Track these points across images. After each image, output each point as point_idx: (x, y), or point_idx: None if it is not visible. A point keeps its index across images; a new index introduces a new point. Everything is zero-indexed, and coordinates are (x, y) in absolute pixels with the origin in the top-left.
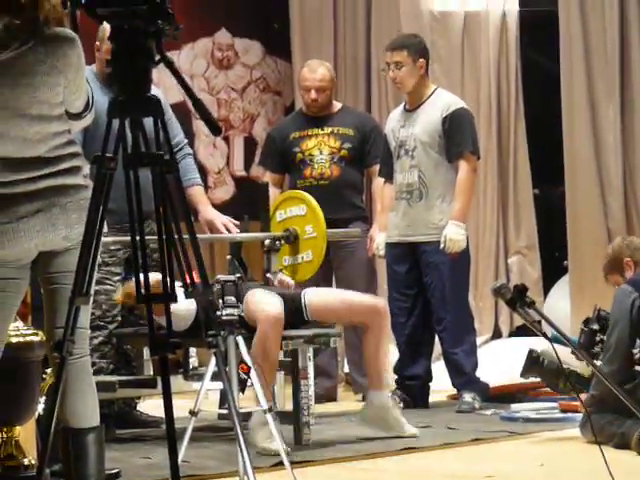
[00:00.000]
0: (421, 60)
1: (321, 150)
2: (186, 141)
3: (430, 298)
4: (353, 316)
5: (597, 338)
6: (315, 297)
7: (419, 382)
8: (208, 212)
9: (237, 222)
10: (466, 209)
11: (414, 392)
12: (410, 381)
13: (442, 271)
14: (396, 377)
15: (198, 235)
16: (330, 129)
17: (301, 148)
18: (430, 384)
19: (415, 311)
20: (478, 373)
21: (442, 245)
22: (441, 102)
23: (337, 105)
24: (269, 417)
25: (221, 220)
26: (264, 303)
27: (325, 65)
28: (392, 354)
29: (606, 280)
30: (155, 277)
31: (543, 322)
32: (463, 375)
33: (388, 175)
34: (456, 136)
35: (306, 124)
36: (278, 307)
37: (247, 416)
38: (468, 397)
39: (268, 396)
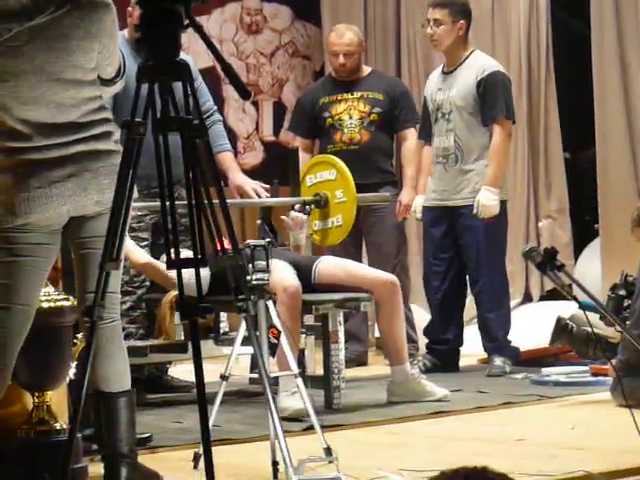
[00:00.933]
0: (461, 22)
1: (351, 115)
2: (215, 107)
3: (466, 261)
4: (361, 289)
5: (625, 304)
6: (325, 267)
7: (449, 347)
8: (237, 178)
9: (266, 186)
10: (500, 174)
11: (444, 356)
12: (440, 345)
13: (478, 234)
14: (427, 341)
15: (228, 200)
16: (360, 93)
17: (331, 113)
18: (460, 349)
19: (449, 275)
20: (509, 337)
21: (475, 210)
22: (477, 65)
23: (366, 69)
24: (299, 382)
25: (250, 185)
26: (280, 278)
27: (353, 29)
28: (422, 317)
29: (632, 232)
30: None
31: (573, 286)
32: (495, 339)
33: (427, 137)
34: (490, 100)
35: (335, 89)
36: (295, 280)
37: (278, 380)
38: (499, 361)
39: (285, 365)
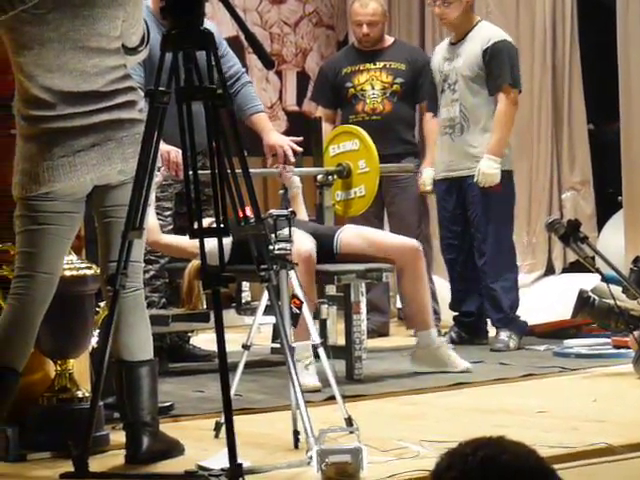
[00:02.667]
0: None
1: (373, 85)
2: (244, 70)
3: (473, 232)
4: (383, 257)
5: None
6: (347, 236)
7: (473, 318)
8: (270, 137)
9: (299, 139)
10: (503, 143)
11: (470, 328)
12: (465, 318)
13: (484, 204)
14: (454, 314)
15: (251, 169)
16: (382, 64)
17: (353, 83)
18: (486, 319)
19: (464, 247)
20: (526, 311)
21: (475, 179)
22: (482, 35)
23: (389, 39)
24: (321, 352)
25: (283, 143)
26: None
27: None
28: (445, 287)
29: None
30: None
31: (596, 258)
32: (500, 312)
33: (434, 109)
34: (495, 69)
35: (358, 59)
36: (308, 245)
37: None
38: (504, 335)
39: (299, 333)
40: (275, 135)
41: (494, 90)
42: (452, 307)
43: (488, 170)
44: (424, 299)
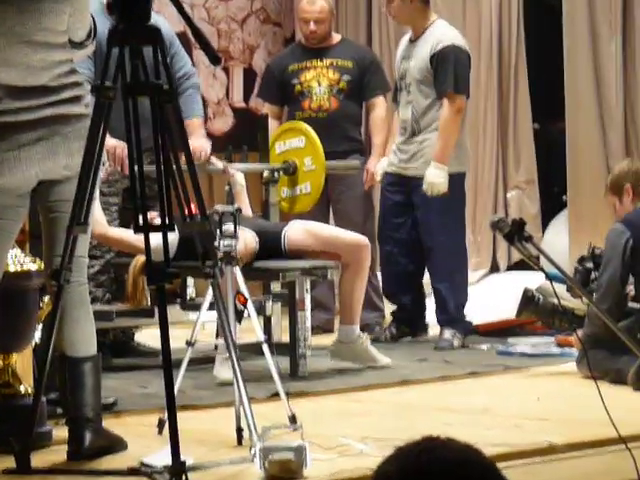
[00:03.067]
0: None
1: (320, 82)
2: (193, 72)
3: (420, 232)
4: (331, 253)
5: (592, 276)
6: (293, 233)
7: (410, 313)
8: (194, 142)
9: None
10: (447, 150)
11: (408, 322)
12: (401, 312)
13: (433, 206)
14: (392, 310)
15: (196, 165)
16: (329, 61)
17: (300, 80)
18: (425, 314)
19: (402, 240)
20: (470, 309)
21: (424, 186)
22: (433, 37)
23: (336, 37)
24: (265, 348)
25: (203, 146)
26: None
27: None
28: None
29: (604, 197)
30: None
31: (541, 257)
32: (445, 311)
33: (397, 104)
34: (441, 74)
35: (305, 56)
36: (249, 240)
37: (243, 347)
38: (448, 334)
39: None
40: (197, 141)
41: (439, 95)
42: (386, 297)
43: (435, 179)
44: (359, 296)
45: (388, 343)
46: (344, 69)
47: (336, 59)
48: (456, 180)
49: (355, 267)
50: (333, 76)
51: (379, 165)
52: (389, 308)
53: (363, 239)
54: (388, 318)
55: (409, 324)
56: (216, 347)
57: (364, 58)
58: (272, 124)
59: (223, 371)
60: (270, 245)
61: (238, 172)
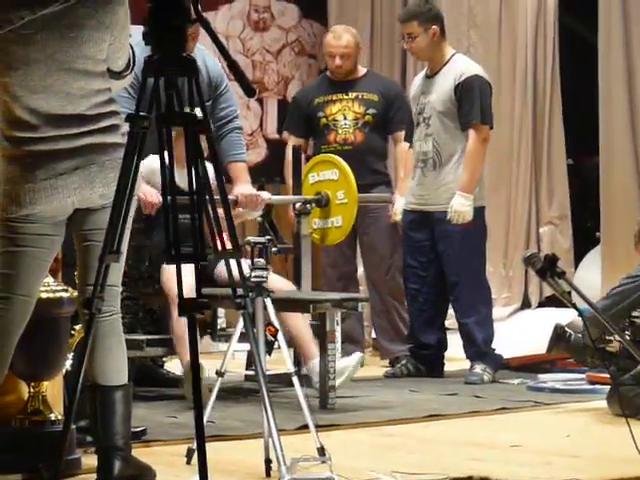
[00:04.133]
0: (433, 27)
1: (345, 115)
2: (237, 114)
3: (443, 267)
4: None
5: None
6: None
7: (432, 352)
8: (239, 188)
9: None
10: (473, 180)
11: (427, 361)
12: (423, 350)
13: (455, 240)
14: (409, 346)
15: (229, 196)
16: (355, 94)
17: (325, 113)
18: (444, 354)
19: (428, 279)
20: (501, 344)
21: (448, 216)
22: (455, 69)
23: (362, 70)
24: (295, 380)
25: (250, 193)
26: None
27: (350, 31)
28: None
29: (636, 249)
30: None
31: (573, 293)
32: (474, 346)
33: (411, 140)
34: (466, 105)
35: (331, 89)
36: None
37: (273, 378)
38: (478, 369)
39: None
40: (243, 187)
41: (464, 127)
42: (410, 338)
43: (460, 208)
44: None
45: (411, 377)
46: (370, 102)
47: (362, 92)
48: (477, 214)
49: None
50: (359, 109)
51: (397, 205)
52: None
53: None
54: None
55: (428, 363)
56: (246, 377)
57: (389, 91)
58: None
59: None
60: None
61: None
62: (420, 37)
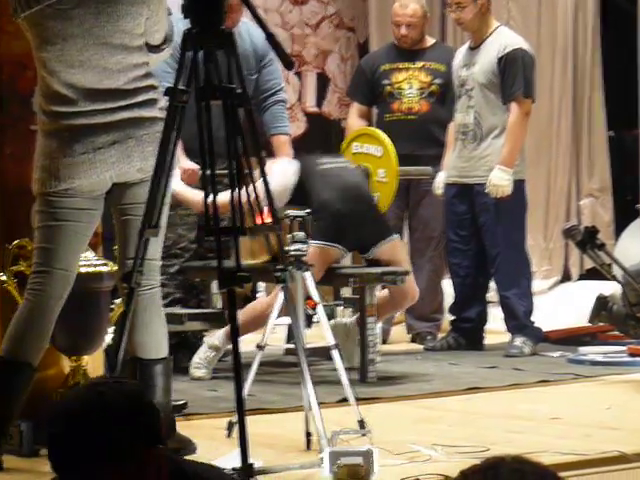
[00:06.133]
0: None
1: (411, 84)
2: (282, 87)
3: (484, 240)
4: None
5: None
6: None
7: (472, 325)
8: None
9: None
10: (513, 154)
11: (468, 334)
12: (464, 323)
13: (494, 213)
14: (451, 318)
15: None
16: (422, 63)
17: (391, 81)
18: (485, 327)
19: (470, 253)
20: (541, 317)
21: (487, 190)
22: (499, 42)
23: (430, 40)
24: (335, 354)
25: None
26: None
27: (418, 1)
28: (448, 294)
29: None
30: (223, 198)
31: (613, 265)
32: (515, 318)
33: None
34: (509, 78)
35: (397, 57)
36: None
37: (313, 352)
38: (518, 341)
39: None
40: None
41: (507, 99)
42: (452, 311)
43: (499, 182)
44: None
45: (451, 351)
46: (437, 72)
47: (429, 62)
48: (517, 186)
49: (389, 305)
50: (425, 79)
51: (438, 179)
52: (447, 317)
53: (416, 295)
54: (446, 327)
55: (468, 336)
56: (286, 351)
57: None
58: (359, 123)
59: (197, 370)
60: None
61: None
62: (469, 7)
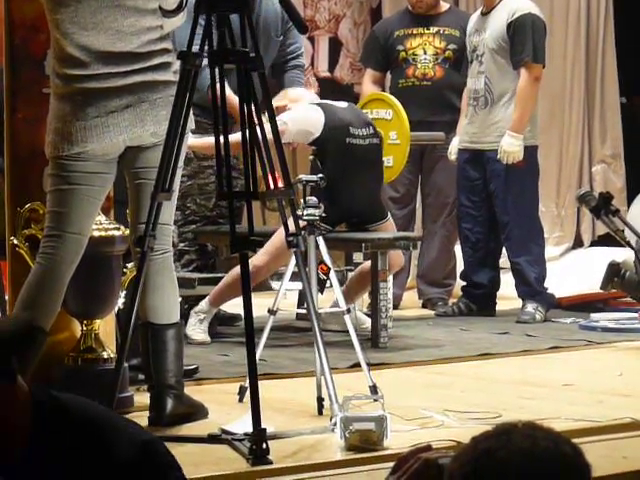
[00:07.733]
0: None
1: (425, 50)
2: (302, 51)
3: (495, 206)
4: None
5: None
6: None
7: (484, 291)
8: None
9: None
10: (524, 120)
11: (479, 300)
12: (475, 289)
13: (505, 179)
14: (463, 284)
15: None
16: (436, 29)
17: (405, 46)
18: (497, 293)
19: (481, 218)
20: (553, 283)
21: (498, 156)
22: (509, 7)
23: (445, 5)
24: (347, 319)
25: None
26: None
27: None
28: (458, 259)
29: None
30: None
31: (626, 231)
32: (526, 285)
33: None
34: (518, 43)
35: (412, 22)
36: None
37: (325, 317)
38: (530, 307)
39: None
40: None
41: (516, 65)
42: (463, 277)
43: (510, 148)
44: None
45: (463, 316)
46: (451, 38)
47: (443, 27)
48: (529, 153)
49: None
50: (439, 44)
51: (451, 145)
52: (459, 283)
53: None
54: (457, 292)
55: (480, 302)
56: (298, 316)
57: None
58: (373, 89)
59: (198, 333)
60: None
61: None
62: None
